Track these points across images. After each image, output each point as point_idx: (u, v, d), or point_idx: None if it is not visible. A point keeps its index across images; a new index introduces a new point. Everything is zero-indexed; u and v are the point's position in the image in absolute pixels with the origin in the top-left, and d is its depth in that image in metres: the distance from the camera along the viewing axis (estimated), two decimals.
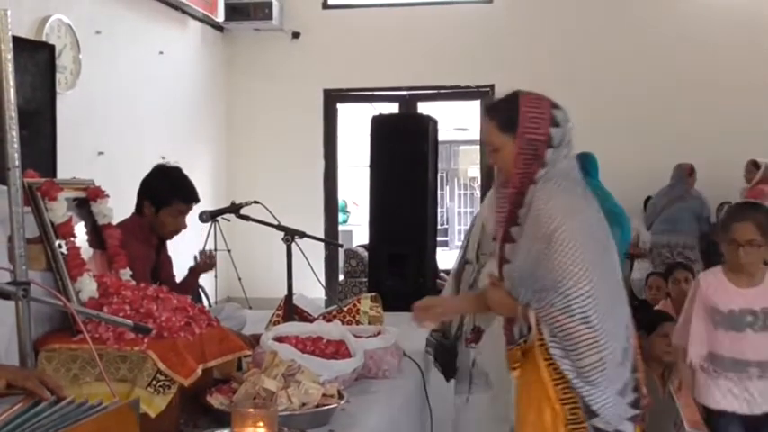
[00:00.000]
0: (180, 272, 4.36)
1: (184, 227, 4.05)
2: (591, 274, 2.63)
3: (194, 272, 4.38)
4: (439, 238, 7.53)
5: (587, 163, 7.37)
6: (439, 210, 10.25)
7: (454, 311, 3.45)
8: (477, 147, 10.30)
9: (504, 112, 2.83)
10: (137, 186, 4.12)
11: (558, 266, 2.64)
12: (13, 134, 2.13)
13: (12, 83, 2.13)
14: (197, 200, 4.08)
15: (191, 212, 4.12)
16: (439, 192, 6.94)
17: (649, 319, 4.68)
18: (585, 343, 2.63)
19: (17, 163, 2.16)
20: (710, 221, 8.26)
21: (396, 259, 6.02)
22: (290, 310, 3.75)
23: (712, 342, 3.81)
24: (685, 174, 8.43)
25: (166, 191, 4.00)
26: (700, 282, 3.92)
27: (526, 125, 2.77)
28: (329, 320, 3.64)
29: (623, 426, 2.71)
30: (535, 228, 2.69)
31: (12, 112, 2.13)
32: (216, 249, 8.14)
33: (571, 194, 2.74)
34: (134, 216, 4.02)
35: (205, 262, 4.38)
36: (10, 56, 2.12)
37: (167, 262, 4.20)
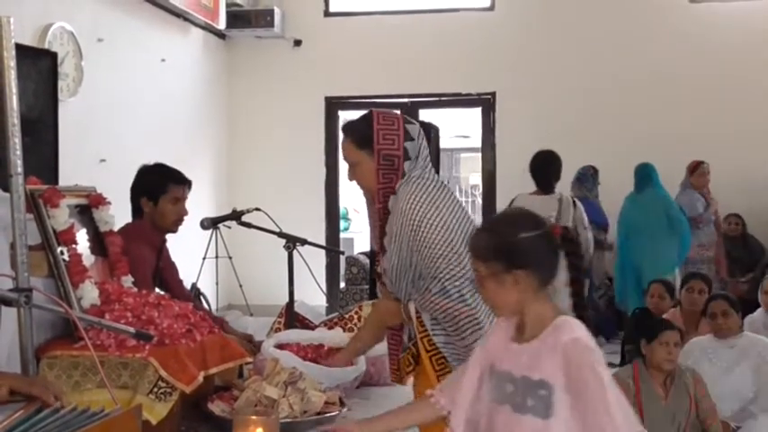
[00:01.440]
0: (182, 275, 4.34)
1: (186, 213, 4.02)
2: (461, 257, 2.74)
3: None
4: None
5: (649, 171, 7.52)
6: None
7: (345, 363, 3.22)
8: (479, 154, 10.30)
9: (359, 131, 2.95)
10: None
11: (428, 252, 2.77)
12: (16, 141, 2.14)
13: (14, 90, 2.13)
14: (189, 181, 4.07)
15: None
16: None
17: (650, 326, 4.67)
18: (466, 321, 2.74)
19: (19, 170, 2.16)
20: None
21: None
22: (291, 317, 3.75)
23: None
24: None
25: (158, 180, 4.00)
26: None
27: (381, 141, 2.89)
28: (330, 328, 3.64)
29: None
30: (402, 222, 2.82)
31: (14, 119, 2.13)
32: (217, 256, 8.15)
33: (429, 188, 2.85)
34: (134, 220, 4.02)
35: None
36: (13, 63, 2.12)
37: (172, 268, 4.18)
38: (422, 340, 2.82)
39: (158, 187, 3.95)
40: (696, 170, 8.14)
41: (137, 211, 4.00)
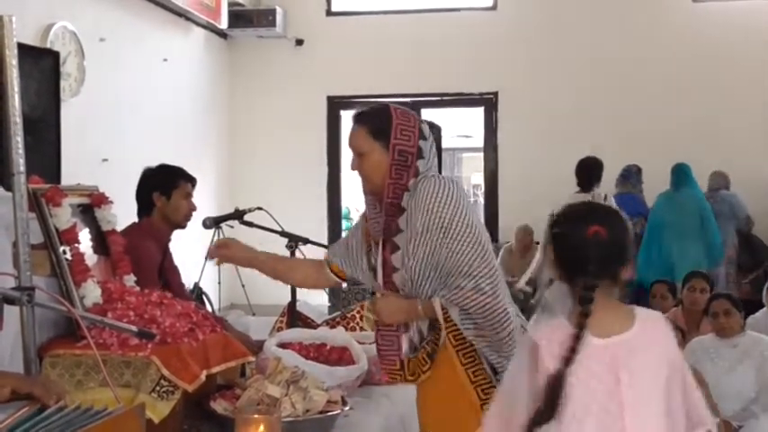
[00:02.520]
0: (184, 274, 4.36)
1: (195, 209, 4.10)
2: (490, 254, 2.79)
3: None
4: None
5: (684, 172, 7.88)
6: None
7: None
8: (482, 154, 10.29)
9: (377, 122, 2.92)
10: None
11: (462, 251, 2.75)
12: (18, 140, 2.14)
13: (17, 89, 2.14)
14: (195, 179, 4.17)
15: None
16: None
17: None
18: (501, 316, 2.75)
19: (22, 169, 2.16)
20: (749, 219, 8.38)
21: None
22: (293, 316, 3.76)
23: None
24: (723, 178, 8.51)
25: (169, 176, 4.09)
26: None
27: (398, 137, 2.87)
28: (333, 327, 3.64)
29: None
30: (428, 221, 2.78)
31: (16, 119, 2.13)
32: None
33: (452, 187, 2.84)
34: (142, 219, 4.05)
35: None
36: (15, 62, 2.13)
37: (174, 271, 4.20)
38: (449, 336, 2.80)
39: (171, 182, 4.04)
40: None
41: (143, 209, 4.04)
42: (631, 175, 8.46)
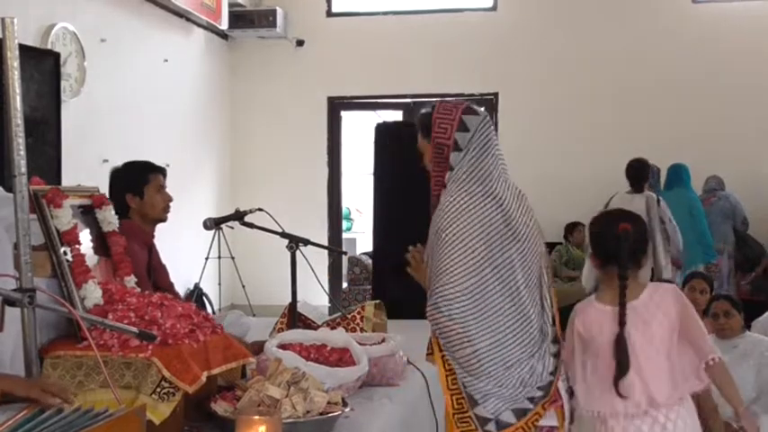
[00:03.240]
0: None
1: (171, 199, 4.09)
2: (469, 274, 2.79)
3: None
4: None
5: (683, 173, 8.01)
6: None
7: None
8: None
9: (423, 120, 3.01)
10: None
11: (438, 264, 2.83)
12: (20, 142, 2.13)
13: (18, 90, 2.13)
14: (164, 168, 4.15)
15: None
16: None
17: None
18: (456, 337, 2.80)
19: (23, 170, 2.16)
20: (746, 220, 8.45)
21: (399, 267, 5.98)
22: (294, 317, 3.75)
23: None
24: (720, 181, 8.58)
25: (137, 173, 4.05)
26: None
27: (436, 130, 2.94)
28: (333, 328, 3.63)
29: (504, 415, 2.82)
30: (433, 225, 2.90)
31: (18, 120, 2.13)
32: (220, 257, 8.15)
33: (467, 194, 2.86)
34: (121, 221, 4.03)
35: None
36: (16, 64, 2.12)
37: (162, 269, 4.18)
38: (435, 340, 2.93)
39: (141, 180, 4.01)
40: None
41: (119, 212, 4.02)
42: (651, 176, 8.54)
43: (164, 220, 4.10)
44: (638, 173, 7.40)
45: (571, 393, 3.07)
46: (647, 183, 7.41)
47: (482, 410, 2.80)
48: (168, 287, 4.10)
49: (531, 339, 2.86)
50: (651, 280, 6.06)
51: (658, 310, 3.04)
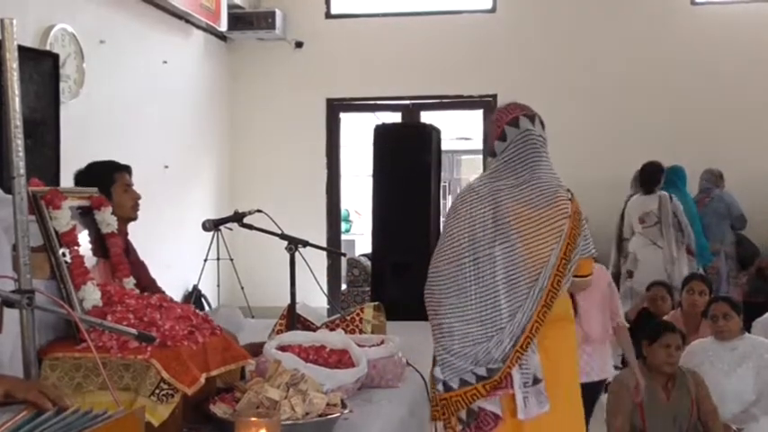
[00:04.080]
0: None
1: (139, 197, 4.12)
2: (451, 262, 3.19)
3: None
4: None
5: (676, 175, 8.11)
6: (441, 219, 10.23)
7: None
8: (480, 156, 10.32)
9: (490, 123, 3.43)
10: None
11: (436, 250, 3.30)
12: (19, 143, 2.13)
13: (17, 91, 2.13)
14: (128, 166, 4.17)
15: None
16: (441, 201, 6.98)
17: (652, 328, 4.67)
18: (431, 310, 3.28)
19: (22, 171, 2.16)
20: (743, 218, 8.43)
21: (398, 269, 6.01)
22: (292, 319, 3.75)
23: None
24: (717, 178, 8.54)
25: (102, 174, 4.06)
26: None
27: (491, 130, 3.37)
28: (332, 329, 3.63)
29: (452, 381, 3.21)
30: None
31: (17, 121, 2.13)
32: (219, 258, 8.15)
33: (468, 191, 3.27)
34: None
35: None
36: (15, 65, 2.12)
37: (141, 266, 4.17)
38: None
39: (106, 181, 4.01)
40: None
41: None
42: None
43: (134, 218, 4.11)
44: (652, 177, 7.70)
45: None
46: (659, 185, 7.65)
47: (437, 372, 3.24)
48: (150, 283, 4.09)
49: (495, 327, 3.17)
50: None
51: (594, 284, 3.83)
